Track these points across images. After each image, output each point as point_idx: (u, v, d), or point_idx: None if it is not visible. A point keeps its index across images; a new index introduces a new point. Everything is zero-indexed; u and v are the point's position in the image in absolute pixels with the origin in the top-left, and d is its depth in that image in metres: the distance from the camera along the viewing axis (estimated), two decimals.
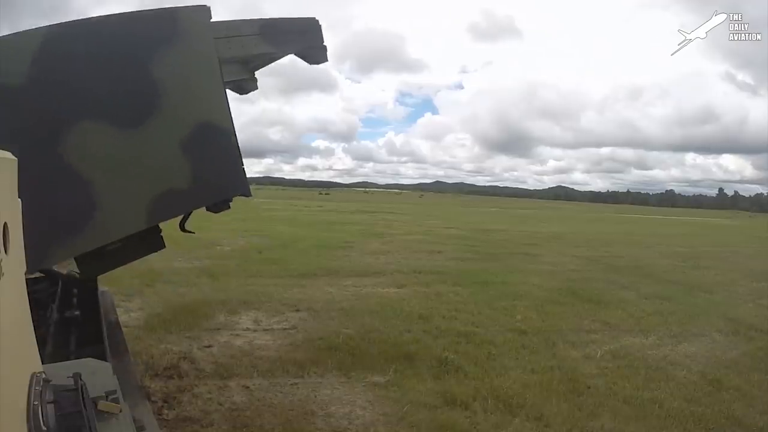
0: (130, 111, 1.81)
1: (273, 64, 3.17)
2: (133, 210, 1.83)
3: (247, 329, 5.13)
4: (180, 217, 2.42)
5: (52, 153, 1.69)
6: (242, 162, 2.10)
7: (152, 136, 1.83)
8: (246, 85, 2.94)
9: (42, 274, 2.47)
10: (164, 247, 2.27)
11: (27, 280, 2.32)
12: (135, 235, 1.92)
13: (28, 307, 0.68)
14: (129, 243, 2.00)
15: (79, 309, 2.09)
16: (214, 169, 2.01)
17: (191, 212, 2.38)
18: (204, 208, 2.25)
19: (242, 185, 2.13)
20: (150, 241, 2.18)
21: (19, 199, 0.66)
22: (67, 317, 1.98)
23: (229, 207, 2.20)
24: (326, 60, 2.63)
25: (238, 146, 2.08)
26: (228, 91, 3.39)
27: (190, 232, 2.48)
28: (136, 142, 1.80)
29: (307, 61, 2.65)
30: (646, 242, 17.94)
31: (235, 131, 2.08)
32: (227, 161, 2.04)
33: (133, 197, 1.82)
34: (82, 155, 1.72)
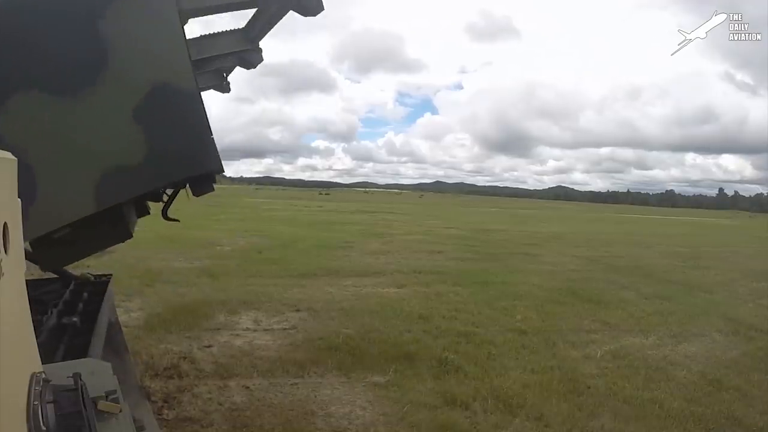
0: (74, 76, 1.56)
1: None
2: (79, 191, 1.58)
3: (247, 329, 5.13)
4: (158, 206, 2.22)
5: None
6: (210, 131, 1.78)
7: (99, 104, 1.57)
8: (251, 58, 2.81)
9: (56, 275, 2.37)
10: (131, 237, 2.04)
11: (39, 280, 2.22)
12: (93, 222, 1.68)
13: (28, 307, 0.68)
14: (87, 230, 1.76)
15: (80, 315, 1.94)
16: (174, 139, 1.70)
17: (174, 198, 2.20)
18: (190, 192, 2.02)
19: (211, 159, 1.79)
20: (113, 228, 1.92)
21: (19, 199, 0.66)
22: (64, 323, 1.82)
23: (213, 189, 1.99)
24: (322, 9, 2.42)
25: (205, 112, 1.77)
26: (229, 74, 3.33)
27: (174, 220, 2.28)
28: (80, 111, 1.56)
29: (302, 13, 2.44)
30: (646, 242, 17.95)
31: (200, 94, 1.77)
32: (191, 130, 1.73)
33: (78, 176, 1.57)
34: (17, 130, 1.50)
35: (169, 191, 2.18)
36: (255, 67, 3.01)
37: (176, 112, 1.69)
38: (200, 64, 2.76)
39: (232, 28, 2.62)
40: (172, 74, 1.67)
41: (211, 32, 2.69)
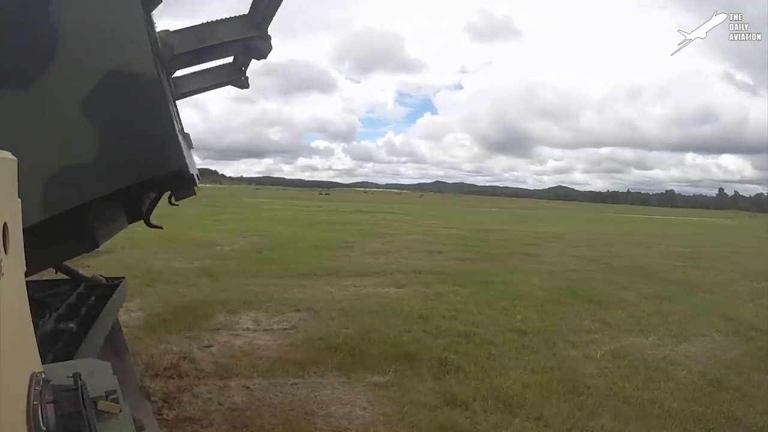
0: (22, 67, 1.37)
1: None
2: (25, 197, 1.29)
3: (247, 329, 5.13)
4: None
5: None
6: (173, 125, 1.54)
7: (46, 96, 1.36)
8: (259, 46, 2.65)
9: (67, 276, 2.29)
10: (97, 246, 1.81)
11: (48, 281, 2.13)
12: (48, 230, 1.46)
13: (28, 307, 0.68)
14: (42, 240, 1.54)
15: (81, 320, 1.83)
16: (130, 134, 1.46)
17: (155, 204, 2.04)
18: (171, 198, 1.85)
19: (173, 157, 1.53)
20: (75, 237, 1.67)
21: (19, 199, 0.67)
22: (60, 329, 1.71)
23: (194, 193, 1.83)
24: None
25: (167, 102, 1.54)
26: (248, 65, 3.08)
27: (156, 227, 2.16)
28: (27, 106, 1.36)
29: None
30: (646, 242, 17.95)
31: (161, 81, 1.53)
32: (149, 122, 1.49)
33: (24, 180, 1.24)
34: None
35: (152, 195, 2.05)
36: (266, 57, 2.83)
37: (131, 103, 1.46)
38: (202, 54, 2.63)
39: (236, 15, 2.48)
40: (126, 58, 1.45)
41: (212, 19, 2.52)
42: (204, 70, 3.23)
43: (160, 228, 2.23)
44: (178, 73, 3.10)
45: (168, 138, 1.52)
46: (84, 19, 1.41)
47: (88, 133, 1.40)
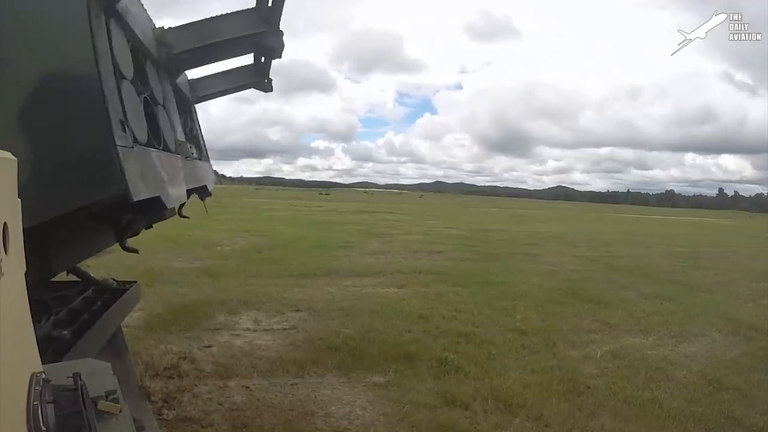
0: None
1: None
2: None
3: (247, 329, 5.13)
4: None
5: None
6: (114, 139, 1.24)
7: None
8: (270, 42, 2.45)
9: (78, 278, 2.19)
10: (52, 275, 1.56)
11: (55, 282, 2.08)
12: None
13: (28, 307, 0.68)
14: None
15: (77, 327, 1.72)
16: (66, 149, 1.20)
17: (131, 225, 1.86)
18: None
19: (113, 180, 1.24)
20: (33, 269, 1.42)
21: (19, 199, 0.67)
22: (53, 336, 1.59)
23: (164, 217, 1.67)
24: None
25: (107, 110, 1.25)
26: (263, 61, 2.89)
27: (133, 251, 2.05)
28: None
29: None
30: (646, 242, 17.94)
31: (101, 84, 1.24)
32: (86, 136, 1.23)
33: None
34: None
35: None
36: (280, 56, 2.64)
37: (70, 111, 1.22)
38: (207, 52, 2.48)
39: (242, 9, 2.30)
40: (68, 56, 1.22)
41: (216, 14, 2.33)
42: (225, 71, 3.13)
43: (136, 252, 2.10)
44: (195, 75, 2.98)
45: (107, 156, 1.23)
46: (23, 11, 1.19)
47: (23, 149, 1.14)
